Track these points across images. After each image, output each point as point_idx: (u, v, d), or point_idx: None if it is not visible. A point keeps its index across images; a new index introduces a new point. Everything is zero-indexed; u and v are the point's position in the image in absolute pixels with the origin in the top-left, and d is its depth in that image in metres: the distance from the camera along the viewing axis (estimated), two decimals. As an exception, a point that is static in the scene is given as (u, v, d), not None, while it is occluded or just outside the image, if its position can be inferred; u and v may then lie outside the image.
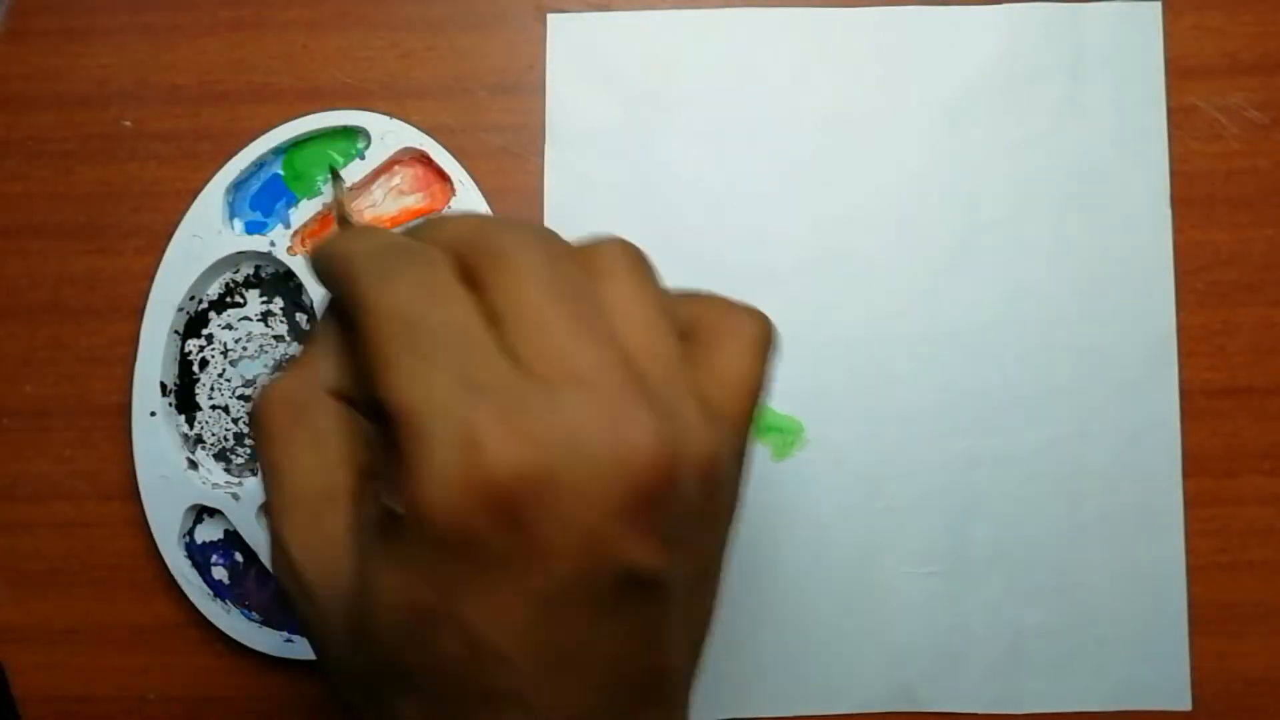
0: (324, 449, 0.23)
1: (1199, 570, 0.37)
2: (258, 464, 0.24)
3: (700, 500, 0.21)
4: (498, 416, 0.19)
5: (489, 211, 0.38)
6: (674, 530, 0.21)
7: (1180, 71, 0.38)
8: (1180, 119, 0.38)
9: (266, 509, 0.24)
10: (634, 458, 0.20)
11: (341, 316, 0.24)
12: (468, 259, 0.22)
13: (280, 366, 0.38)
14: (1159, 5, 0.38)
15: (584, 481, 0.20)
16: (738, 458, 0.24)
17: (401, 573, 0.20)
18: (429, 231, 0.23)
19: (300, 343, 0.38)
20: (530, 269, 0.21)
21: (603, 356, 0.21)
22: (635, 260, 0.23)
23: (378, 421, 0.22)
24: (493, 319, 0.21)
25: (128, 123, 0.39)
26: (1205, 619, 0.37)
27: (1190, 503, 0.37)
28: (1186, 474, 0.37)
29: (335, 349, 0.24)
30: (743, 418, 0.24)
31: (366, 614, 0.21)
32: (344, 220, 0.36)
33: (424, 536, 0.20)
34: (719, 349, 0.24)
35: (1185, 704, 0.37)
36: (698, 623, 0.24)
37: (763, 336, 0.24)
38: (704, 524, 0.22)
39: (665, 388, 0.21)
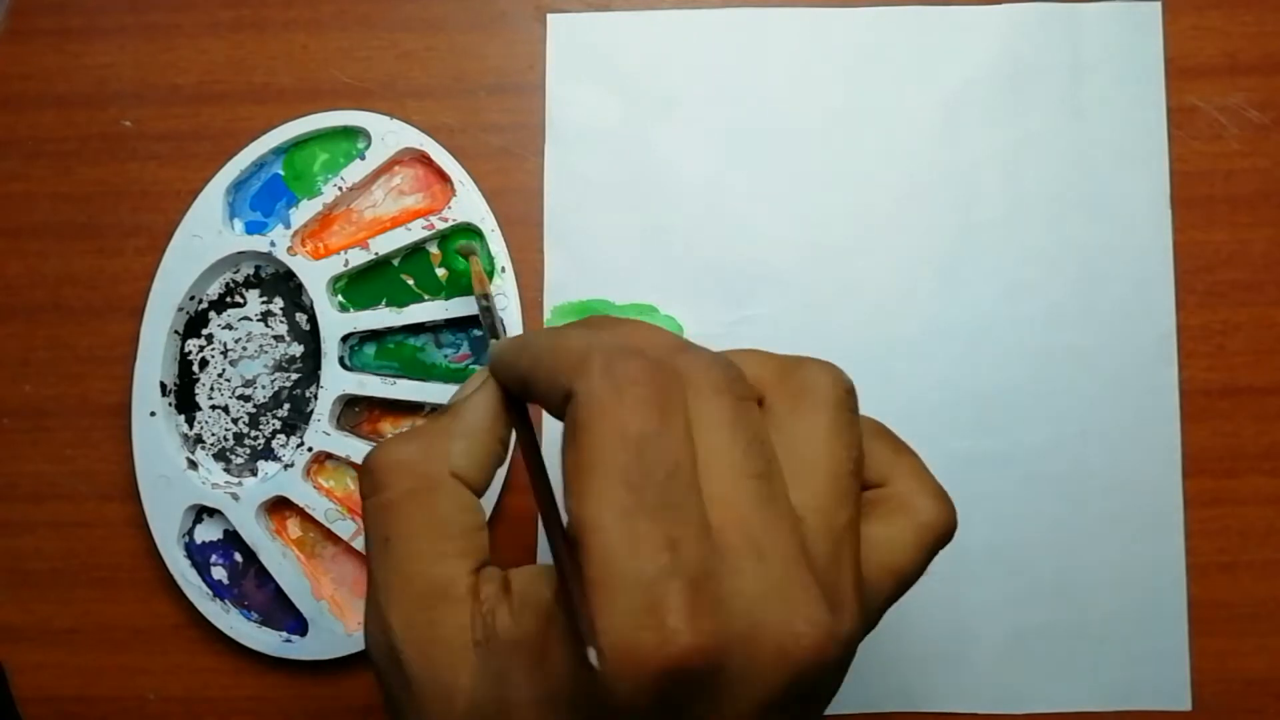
0: (446, 536, 0.22)
1: (1199, 570, 0.37)
2: (365, 527, 0.23)
3: (831, 688, 0.21)
4: (688, 593, 0.19)
5: (489, 211, 0.38)
6: (809, 717, 0.21)
7: (1180, 71, 0.38)
8: (1180, 119, 0.38)
9: (370, 581, 0.23)
10: (797, 652, 0.20)
11: (511, 398, 0.24)
12: (677, 389, 0.21)
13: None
14: (1159, 5, 0.38)
15: (748, 670, 0.20)
16: (862, 638, 0.23)
17: (550, 713, 0.20)
18: (631, 341, 0.22)
19: (300, 343, 0.39)
20: (725, 414, 0.21)
21: (781, 530, 0.20)
22: (839, 400, 0.23)
23: (560, 525, 0.22)
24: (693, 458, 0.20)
25: (128, 123, 0.39)
26: (1205, 619, 0.37)
27: (1190, 503, 0.37)
28: (1186, 474, 0.37)
29: (479, 430, 0.24)
30: (887, 602, 0.23)
31: None
32: (485, 296, 0.34)
33: (585, 695, 0.19)
34: (893, 526, 0.23)
35: (1185, 704, 0.37)
36: None
37: (942, 530, 0.24)
38: (824, 699, 0.22)
39: (834, 566, 0.21)
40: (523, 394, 0.24)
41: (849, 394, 0.23)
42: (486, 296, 0.34)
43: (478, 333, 0.38)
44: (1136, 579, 0.37)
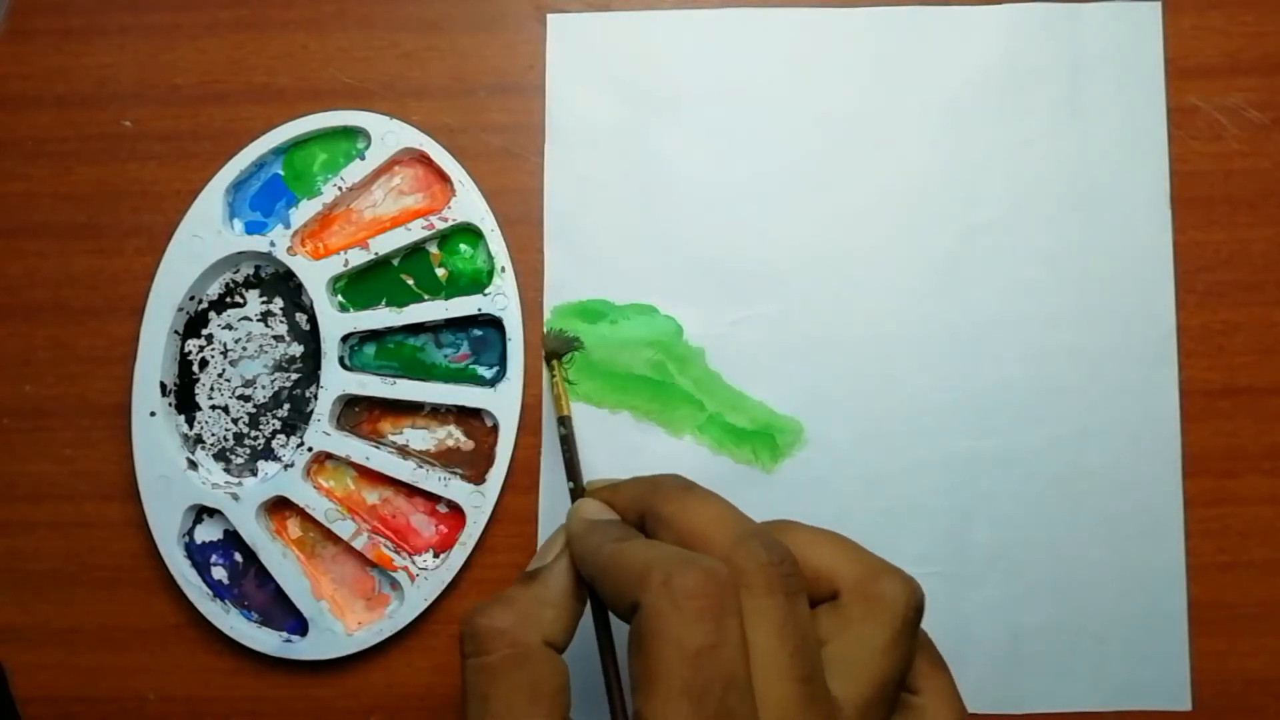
0: (539, 698, 0.25)
1: (1199, 570, 0.37)
2: (464, 684, 0.26)
3: None
4: None
5: (488, 211, 0.38)
6: None
7: (1180, 71, 0.38)
8: (1180, 119, 0.38)
9: None
10: None
11: (589, 582, 0.26)
12: (732, 598, 0.23)
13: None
14: (1159, 5, 0.38)
15: None
16: None
17: None
18: (690, 556, 0.24)
19: (300, 343, 0.39)
20: (779, 616, 0.23)
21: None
22: (909, 619, 0.26)
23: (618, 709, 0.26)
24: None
25: (128, 123, 0.39)
26: (1205, 619, 0.37)
27: (1190, 503, 0.37)
28: (1186, 474, 0.37)
29: (562, 599, 0.27)
30: (868, 706, 0.25)
31: None
32: (564, 421, 0.34)
33: None
34: (857, 633, 0.25)
35: (1185, 704, 0.37)
36: None
37: (904, 616, 0.26)
38: None
39: None
40: (595, 592, 0.27)
41: (918, 613, 0.26)
42: (565, 423, 0.34)
43: (478, 332, 0.38)
44: (1136, 579, 0.37)
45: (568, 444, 0.33)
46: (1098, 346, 0.38)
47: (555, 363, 0.36)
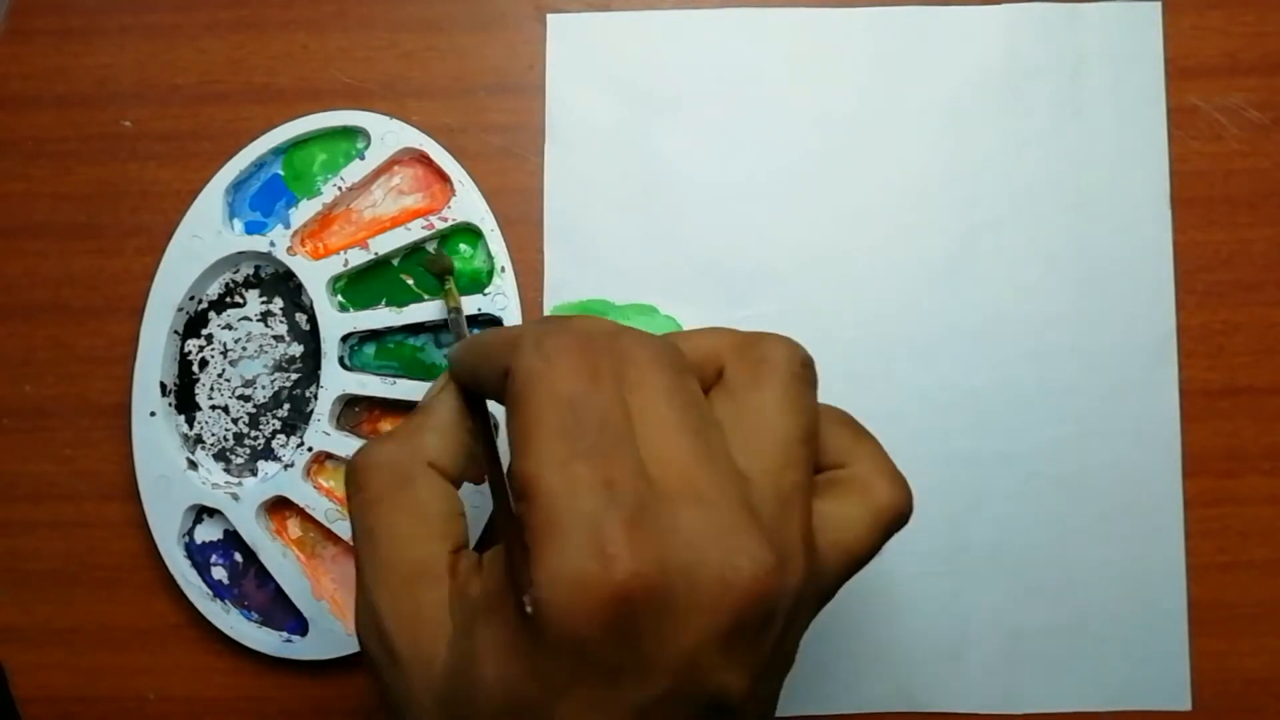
0: (424, 521, 0.24)
1: (1199, 570, 0.37)
2: (351, 525, 0.25)
3: (780, 640, 0.22)
4: (627, 525, 0.20)
5: (488, 211, 0.38)
6: (758, 663, 0.21)
7: (1180, 71, 0.38)
8: (1180, 119, 0.38)
9: (358, 573, 0.24)
10: (739, 584, 0.20)
11: (470, 394, 0.26)
12: (608, 359, 0.22)
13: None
14: (1159, 5, 0.38)
15: (692, 602, 0.20)
16: (817, 609, 0.24)
17: (509, 664, 0.21)
18: (564, 324, 0.23)
19: (300, 343, 0.39)
20: (661, 379, 0.22)
21: (722, 480, 0.21)
22: (795, 372, 0.24)
23: (507, 496, 0.23)
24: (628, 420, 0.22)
25: (128, 123, 0.39)
26: (1205, 619, 0.37)
27: (1190, 503, 0.37)
28: (1186, 474, 0.37)
29: (448, 424, 0.25)
30: (839, 579, 0.24)
31: (463, 696, 0.21)
32: (456, 309, 0.35)
33: (541, 635, 0.20)
34: (849, 505, 0.24)
35: (1185, 704, 0.37)
36: None
37: (897, 513, 0.25)
38: (777, 663, 0.23)
39: (781, 523, 0.22)
40: (476, 388, 0.26)
41: (805, 367, 0.24)
42: (457, 310, 0.35)
43: (476, 332, 0.38)
44: (1136, 579, 0.37)
45: (457, 324, 0.34)
46: (1098, 346, 0.38)
47: (448, 276, 0.36)
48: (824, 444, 0.25)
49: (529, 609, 0.20)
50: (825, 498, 0.24)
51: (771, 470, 0.22)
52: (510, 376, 0.22)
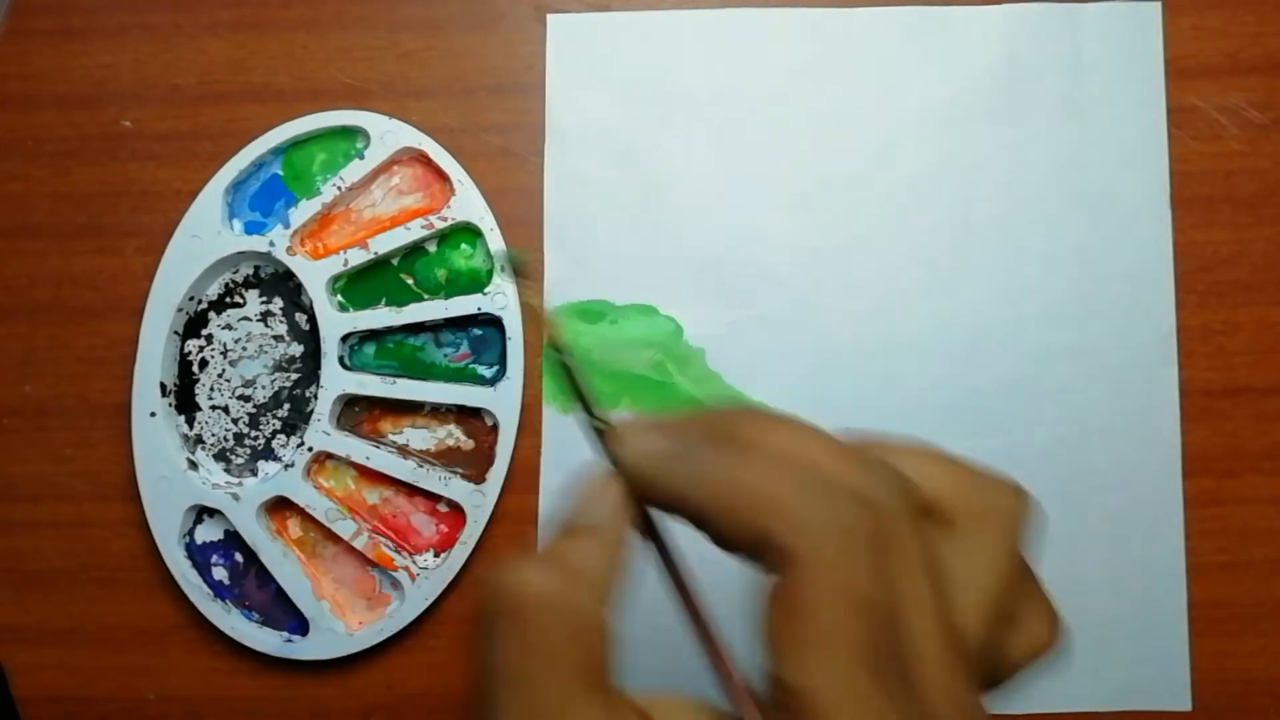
0: (596, 687, 0.19)
1: (1199, 570, 0.37)
2: (487, 678, 0.20)
3: None
4: None
5: (487, 210, 0.38)
6: None
7: (1180, 71, 0.38)
8: (1180, 119, 0.38)
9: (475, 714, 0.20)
10: None
11: (649, 518, 0.21)
12: (890, 537, 0.19)
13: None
14: (1159, 5, 0.38)
15: None
16: None
17: None
18: (844, 487, 0.19)
19: (300, 343, 0.38)
20: (922, 558, 0.19)
21: (969, 688, 0.19)
22: (1019, 524, 0.21)
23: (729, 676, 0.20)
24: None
25: (128, 123, 0.39)
26: (1205, 619, 0.37)
27: (1190, 503, 0.37)
28: (1186, 474, 0.37)
29: (620, 552, 0.21)
30: (989, 618, 0.22)
31: None
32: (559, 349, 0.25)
33: None
34: (1016, 650, 0.22)
35: (1185, 704, 0.37)
36: None
37: (1016, 521, 0.22)
38: None
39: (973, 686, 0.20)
40: (675, 512, 0.21)
41: (1028, 523, 0.22)
42: (557, 345, 0.25)
43: (477, 331, 0.38)
44: (1136, 579, 0.37)
45: (573, 377, 0.24)
46: (1098, 346, 0.38)
47: (521, 280, 0.30)
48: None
49: None
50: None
51: (983, 633, 0.21)
52: (785, 556, 0.18)
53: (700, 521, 0.20)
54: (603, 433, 0.22)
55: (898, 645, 0.18)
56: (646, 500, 0.21)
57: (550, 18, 0.39)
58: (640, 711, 0.20)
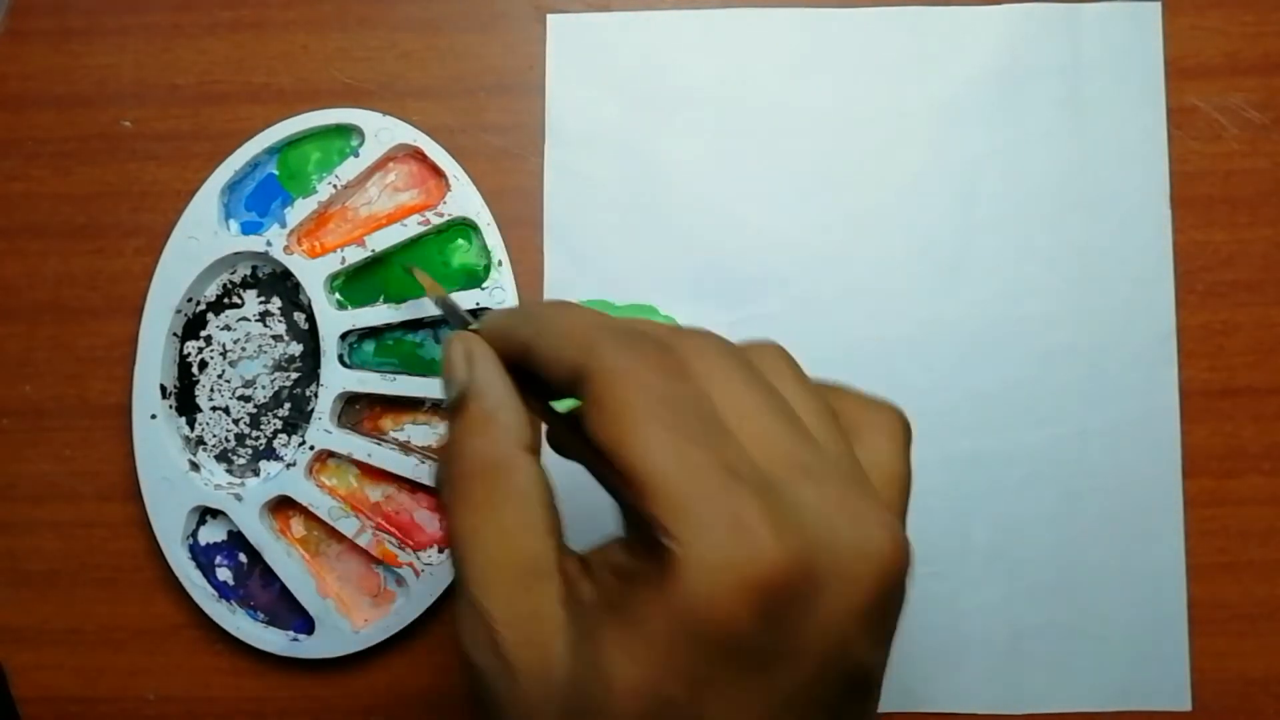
0: (529, 511, 0.22)
1: (1199, 570, 0.37)
2: (450, 532, 0.23)
3: (904, 590, 0.21)
4: (762, 507, 0.19)
5: (484, 205, 0.38)
6: (891, 633, 0.21)
7: (1180, 71, 0.38)
8: (1180, 119, 0.38)
9: (458, 580, 0.23)
10: (879, 557, 0.20)
11: (535, 382, 0.23)
12: (680, 356, 0.21)
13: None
14: (1159, 5, 0.38)
15: (836, 579, 0.19)
16: None
17: (646, 666, 0.19)
18: (628, 326, 0.22)
19: (299, 342, 0.39)
20: (733, 369, 0.21)
21: (823, 456, 0.21)
22: (792, 361, 0.23)
23: (615, 492, 0.22)
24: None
25: (128, 123, 0.39)
26: (1205, 619, 0.37)
27: (1190, 503, 0.37)
28: (1186, 474, 0.37)
29: (515, 403, 0.23)
30: (903, 517, 0.24)
31: (594, 704, 0.20)
32: (454, 312, 0.32)
33: (683, 628, 0.19)
34: (869, 444, 0.24)
35: (1185, 704, 0.37)
36: None
37: (904, 425, 0.25)
38: (895, 627, 0.22)
39: (864, 483, 0.21)
40: (519, 362, 0.24)
41: (793, 359, 0.24)
42: (443, 299, 0.33)
43: (475, 328, 0.38)
44: (1136, 579, 0.37)
45: (449, 306, 0.32)
46: (1098, 346, 0.38)
47: (415, 271, 0.35)
48: None
49: (675, 549, 0.19)
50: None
51: (836, 442, 0.22)
52: (587, 377, 0.21)
53: (528, 359, 0.23)
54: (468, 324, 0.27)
55: (723, 429, 0.20)
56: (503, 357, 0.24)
57: (550, 18, 0.39)
58: (576, 553, 0.23)
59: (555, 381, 0.22)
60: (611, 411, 0.20)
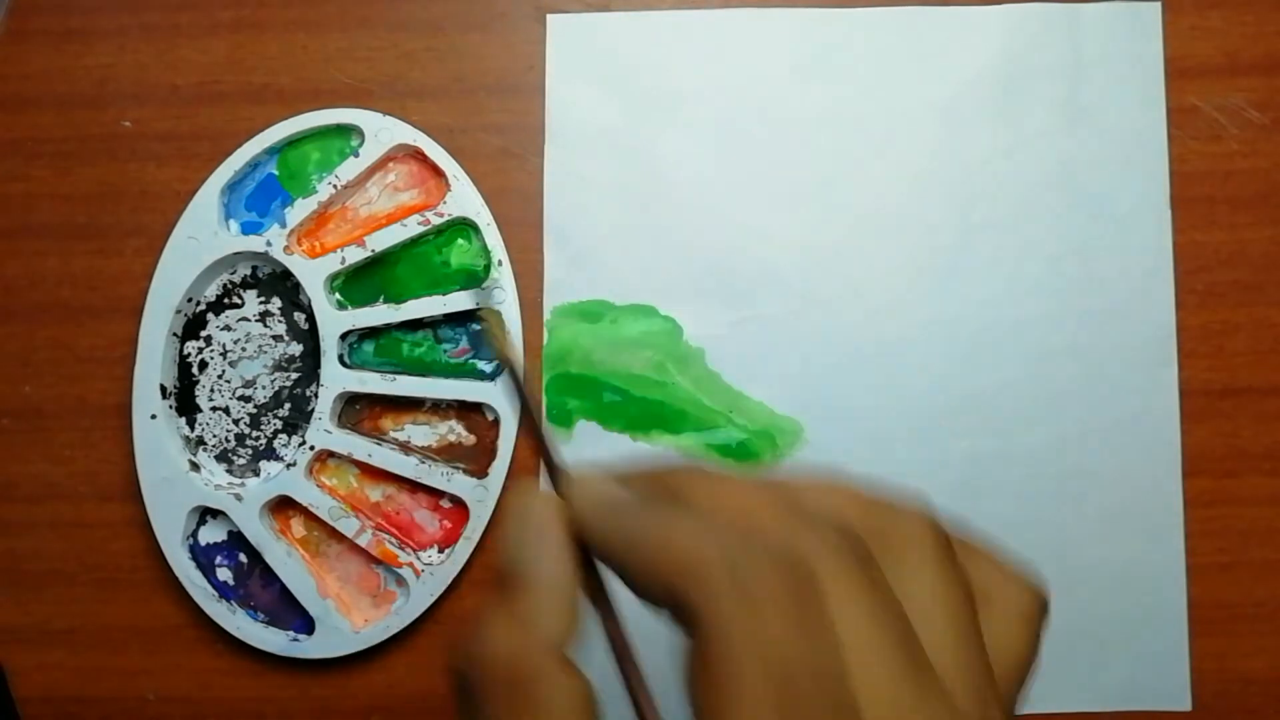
0: None
1: (1199, 570, 0.37)
2: None
3: None
4: None
5: (484, 205, 0.38)
6: None
7: (1180, 71, 0.38)
8: (1180, 119, 0.38)
9: None
10: None
11: (592, 563, 0.21)
12: (809, 585, 0.19)
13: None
14: (1159, 5, 0.38)
15: None
16: None
17: None
18: (746, 536, 0.19)
19: (299, 342, 0.38)
20: (865, 602, 0.19)
21: (934, 709, 0.19)
22: (939, 541, 0.22)
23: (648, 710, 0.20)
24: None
25: (128, 123, 0.39)
26: (1205, 619, 0.37)
27: (1190, 503, 0.37)
28: (1186, 474, 0.37)
29: (567, 598, 0.21)
30: (1022, 695, 0.22)
31: None
32: (516, 377, 0.25)
33: None
34: (999, 623, 0.22)
35: (1185, 704, 0.37)
36: None
37: (1041, 606, 0.23)
38: None
39: (983, 706, 0.20)
40: (607, 564, 0.21)
41: (947, 539, 0.22)
42: (514, 370, 0.25)
43: (476, 327, 0.38)
44: (1136, 579, 0.37)
45: (526, 405, 0.25)
46: (1098, 346, 0.38)
47: (489, 318, 0.34)
48: None
49: None
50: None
51: (960, 663, 0.20)
52: (693, 620, 0.18)
53: (624, 577, 0.20)
54: (558, 477, 0.22)
55: (836, 692, 0.18)
56: (586, 548, 0.21)
57: (550, 18, 0.39)
58: None
59: (649, 602, 0.20)
60: (719, 678, 0.18)
